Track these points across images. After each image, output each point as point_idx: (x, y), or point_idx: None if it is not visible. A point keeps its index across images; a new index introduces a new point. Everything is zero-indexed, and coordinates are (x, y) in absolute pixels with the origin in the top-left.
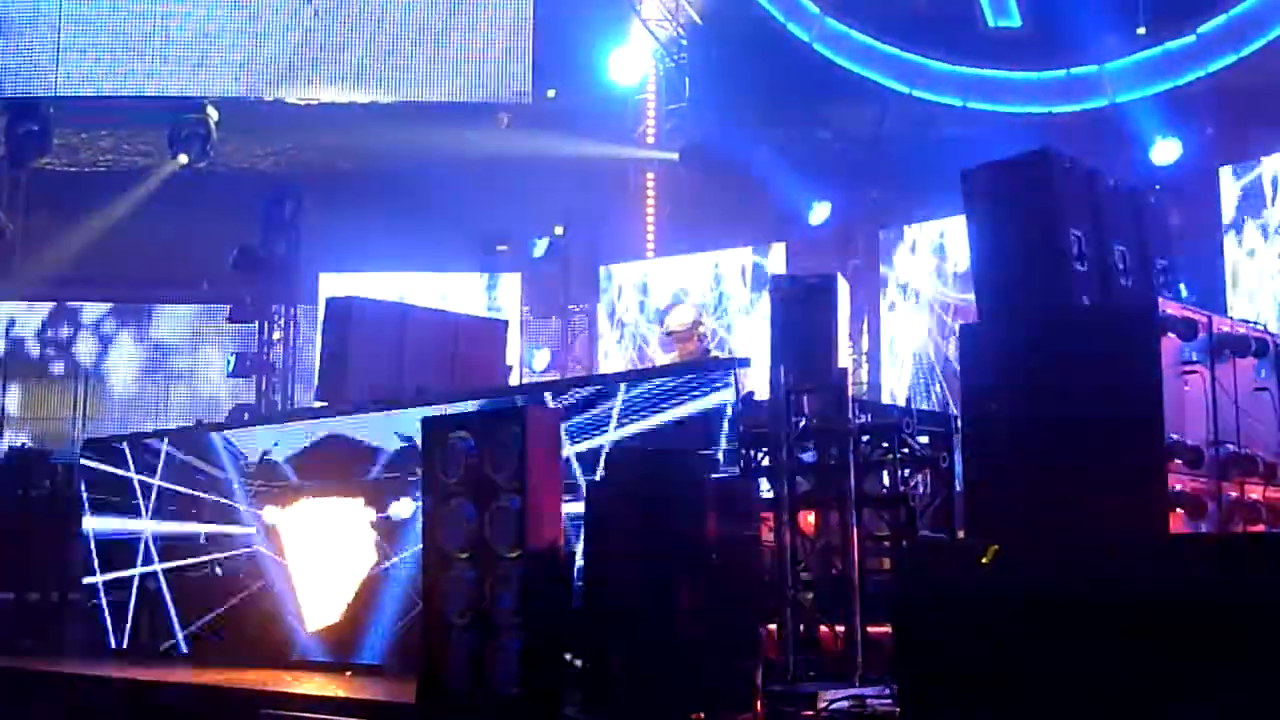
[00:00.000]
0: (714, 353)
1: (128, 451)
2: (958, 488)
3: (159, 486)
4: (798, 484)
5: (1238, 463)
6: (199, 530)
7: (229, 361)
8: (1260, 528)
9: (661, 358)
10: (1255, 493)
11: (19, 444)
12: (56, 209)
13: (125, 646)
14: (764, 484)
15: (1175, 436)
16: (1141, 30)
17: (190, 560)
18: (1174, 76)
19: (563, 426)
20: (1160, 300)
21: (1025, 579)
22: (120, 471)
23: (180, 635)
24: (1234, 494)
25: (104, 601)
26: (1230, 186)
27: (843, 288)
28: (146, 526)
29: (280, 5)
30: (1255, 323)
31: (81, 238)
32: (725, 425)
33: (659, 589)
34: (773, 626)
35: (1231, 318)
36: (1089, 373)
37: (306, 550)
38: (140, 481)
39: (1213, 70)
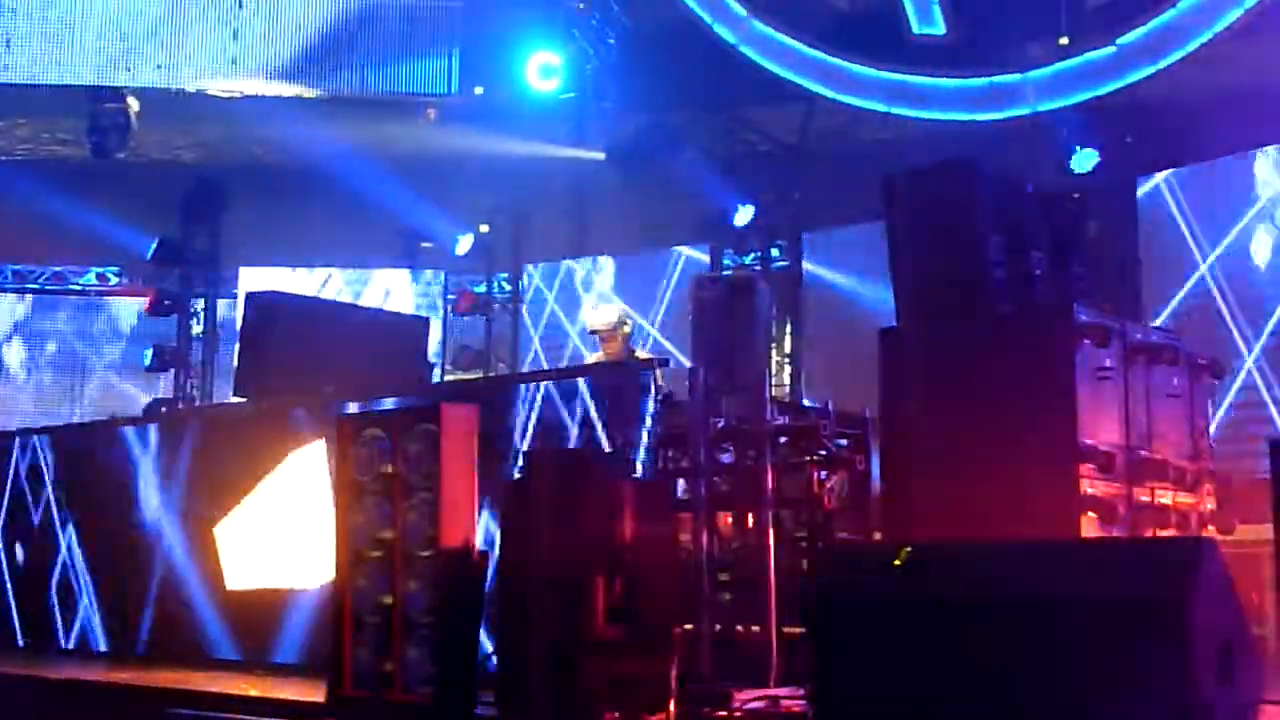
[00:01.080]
0: (638, 352)
1: (45, 445)
2: (874, 490)
3: (69, 481)
4: (715, 485)
5: (1149, 468)
6: (112, 525)
7: (146, 355)
8: (1170, 531)
9: (587, 357)
10: (1165, 497)
11: None
12: None
13: (37, 644)
14: (682, 485)
15: (1088, 441)
16: (1064, 40)
17: (103, 557)
18: (1094, 87)
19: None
20: (1076, 307)
21: (937, 581)
22: (30, 465)
23: (97, 632)
24: (1145, 498)
25: (12, 598)
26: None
27: (764, 289)
28: (58, 520)
29: None
30: (1167, 330)
31: None
32: (643, 425)
33: (575, 589)
34: (689, 627)
35: (1145, 325)
36: (1005, 378)
37: (225, 546)
38: (51, 477)
39: (1132, 81)
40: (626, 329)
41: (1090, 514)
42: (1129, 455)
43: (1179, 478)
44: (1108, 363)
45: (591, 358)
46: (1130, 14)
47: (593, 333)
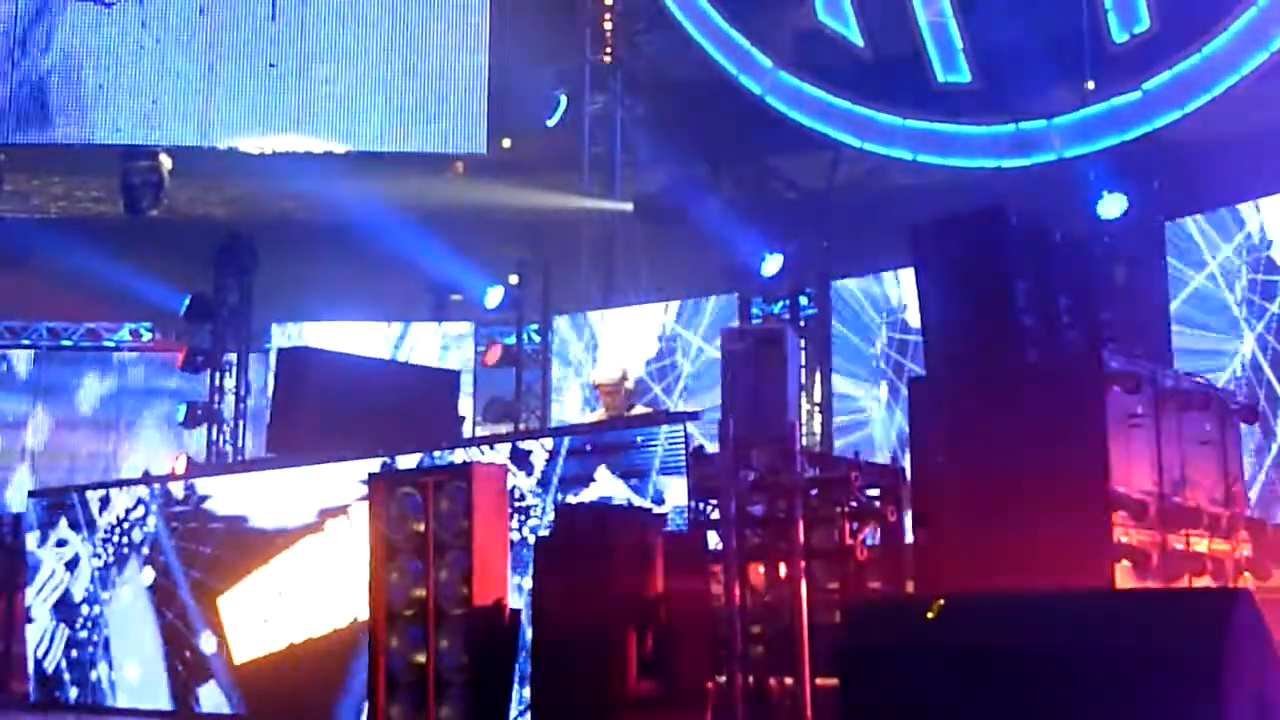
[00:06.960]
0: (638, 408)
1: (75, 502)
2: (906, 540)
3: (103, 538)
4: (746, 537)
5: (1182, 515)
6: (141, 581)
7: (180, 411)
8: (1205, 579)
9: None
10: (1200, 544)
11: None
12: (5, 255)
13: (66, 699)
14: (713, 536)
15: (1120, 489)
16: (1089, 85)
17: (132, 611)
18: (1120, 132)
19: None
20: (1105, 354)
21: (971, 633)
22: (66, 522)
23: (111, 686)
24: (1179, 546)
25: (41, 653)
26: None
27: (793, 340)
28: (89, 577)
29: (237, 54)
30: (1199, 376)
31: (31, 284)
32: (674, 479)
33: (607, 644)
34: (721, 680)
35: (1176, 371)
36: (1035, 426)
37: (254, 605)
38: (86, 533)
39: (1158, 125)
40: (629, 384)
41: (1124, 562)
42: (1162, 502)
43: (1213, 524)
44: (1139, 409)
45: (589, 415)
46: (1155, 58)
47: (596, 387)
